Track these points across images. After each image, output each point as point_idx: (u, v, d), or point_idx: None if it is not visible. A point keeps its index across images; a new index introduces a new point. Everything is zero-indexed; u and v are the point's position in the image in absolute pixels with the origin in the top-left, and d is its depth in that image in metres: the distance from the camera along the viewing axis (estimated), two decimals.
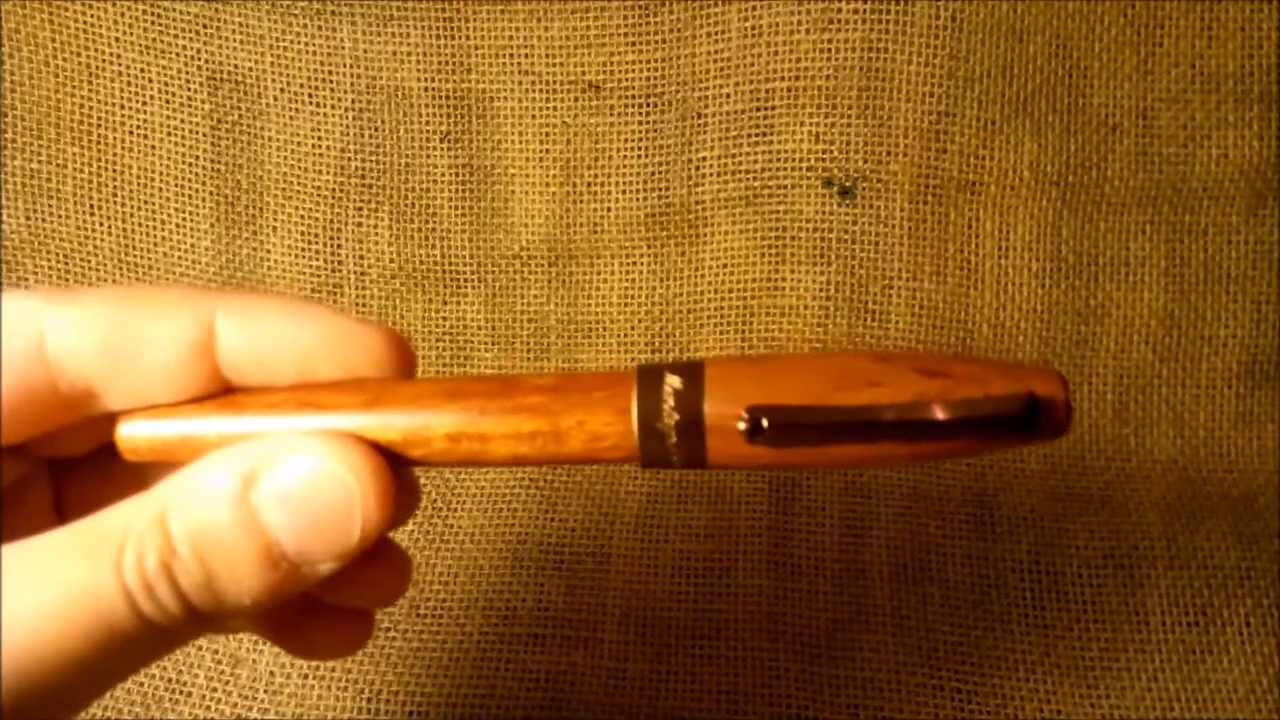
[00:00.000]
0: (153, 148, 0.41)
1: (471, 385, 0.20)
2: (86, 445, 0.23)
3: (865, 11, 0.38)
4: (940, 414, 0.18)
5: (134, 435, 0.21)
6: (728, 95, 0.39)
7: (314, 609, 0.24)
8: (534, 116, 0.40)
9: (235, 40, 0.40)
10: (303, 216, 0.41)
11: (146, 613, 0.18)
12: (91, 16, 0.40)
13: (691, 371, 0.19)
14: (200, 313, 0.20)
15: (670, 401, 0.19)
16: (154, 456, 0.21)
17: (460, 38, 0.40)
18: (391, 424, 0.20)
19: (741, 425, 0.19)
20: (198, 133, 0.41)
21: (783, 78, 0.39)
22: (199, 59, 0.40)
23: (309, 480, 0.19)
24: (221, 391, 0.21)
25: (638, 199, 0.41)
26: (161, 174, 0.41)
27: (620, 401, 0.20)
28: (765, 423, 0.18)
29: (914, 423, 0.18)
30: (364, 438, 0.20)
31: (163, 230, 0.41)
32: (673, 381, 0.19)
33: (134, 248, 0.41)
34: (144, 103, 0.41)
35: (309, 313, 0.21)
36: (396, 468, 0.20)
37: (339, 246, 0.41)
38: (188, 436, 0.21)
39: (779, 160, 0.39)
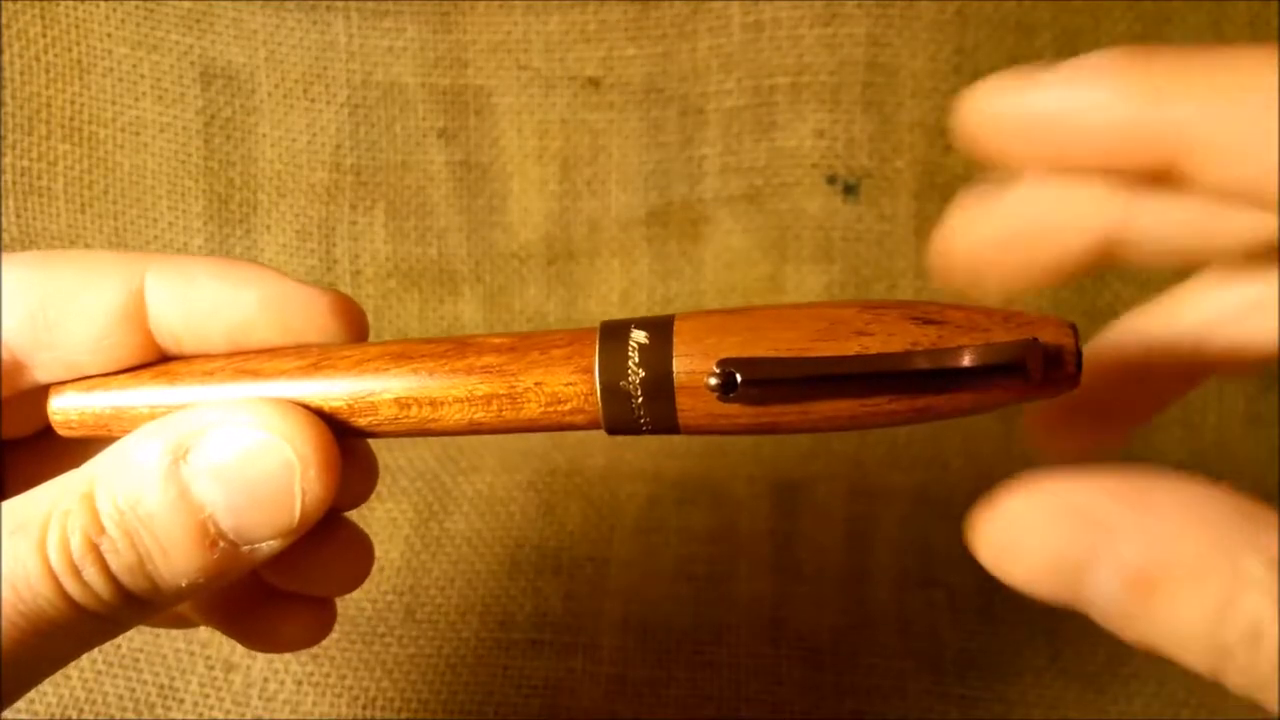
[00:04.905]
0: (144, 144, 0.40)
1: (422, 347, 0.19)
2: (30, 425, 0.22)
3: (869, 6, 0.38)
4: (925, 364, 0.16)
5: (65, 408, 0.20)
6: (729, 91, 0.39)
7: (269, 596, 0.23)
8: (532, 112, 0.40)
9: (228, 35, 0.40)
10: (296, 214, 0.41)
11: (74, 597, 0.17)
12: (83, 12, 0.40)
13: (660, 326, 0.18)
14: (128, 277, 0.19)
15: (635, 358, 0.18)
16: (87, 431, 0.20)
17: (457, 32, 0.39)
18: (335, 391, 0.19)
19: (713, 381, 0.17)
20: (190, 129, 0.40)
21: (785, 73, 0.38)
22: (191, 54, 0.40)
23: (244, 451, 0.18)
24: (156, 360, 0.20)
25: (638, 196, 0.40)
26: (153, 171, 0.41)
27: (582, 360, 0.18)
28: (739, 378, 0.17)
29: (898, 374, 0.17)
30: (306, 406, 0.19)
31: (155, 228, 0.41)
32: (638, 336, 0.18)
33: (125, 245, 0.41)
34: (136, 99, 0.40)
35: (246, 275, 0.20)
36: (343, 438, 0.19)
37: (333, 245, 0.41)
38: (120, 409, 0.20)
39: (781, 157, 0.39)
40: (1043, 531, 0.15)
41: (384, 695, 0.34)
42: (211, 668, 0.35)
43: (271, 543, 0.18)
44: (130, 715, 0.34)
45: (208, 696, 0.35)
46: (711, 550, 0.37)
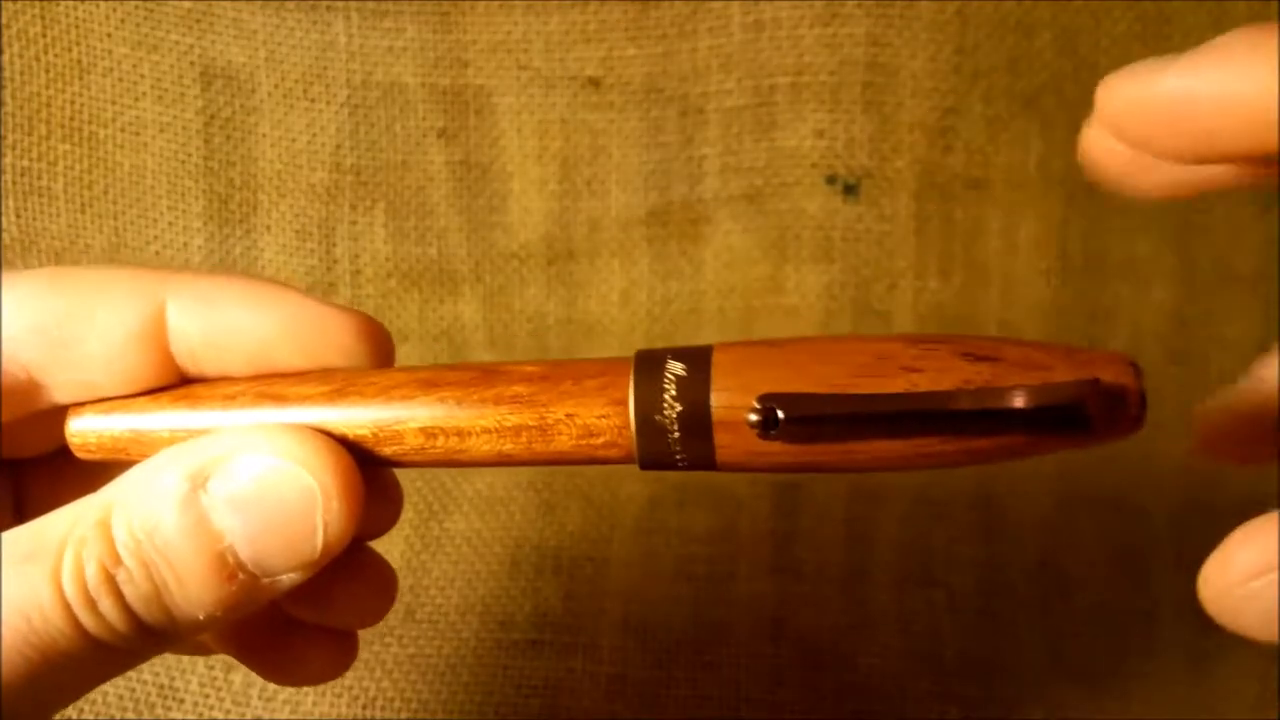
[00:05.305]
0: (144, 145, 0.40)
1: (450, 374, 0.18)
2: (47, 444, 0.21)
3: (869, 6, 0.38)
4: (978, 404, 0.15)
5: (84, 431, 0.20)
6: (729, 91, 0.39)
7: (289, 628, 0.23)
8: (532, 112, 0.40)
9: (228, 35, 0.40)
10: (296, 214, 0.41)
11: (89, 628, 0.16)
12: (83, 12, 0.40)
13: (697, 357, 0.17)
14: (148, 296, 0.19)
15: (671, 390, 0.17)
16: (106, 454, 0.20)
17: (457, 32, 0.39)
18: (359, 418, 0.18)
19: (753, 417, 0.16)
20: (190, 129, 0.40)
21: (785, 73, 0.38)
22: (191, 54, 0.40)
23: (264, 480, 0.17)
24: (177, 383, 0.20)
25: (638, 196, 0.40)
26: (153, 171, 0.40)
27: (616, 391, 0.17)
28: (781, 415, 0.16)
29: (949, 414, 0.16)
30: (329, 433, 0.18)
31: (154, 228, 0.41)
32: (674, 368, 0.17)
33: (125, 246, 0.41)
34: (135, 99, 0.40)
35: (270, 296, 0.19)
36: (367, 468, 0.18)
37: (333, 245, 0.41)
38: (139, 432, 0.19)
39: (782, 157, 0.39)
40: None
41: (384, 695, 0.34)
42: (211, 668, 0.35)
43: (292, 575, 0.17)
44: (130, 715, 0.34)
45: (208, 696, 0.35)
46: (711, 550, 0.37)
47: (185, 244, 0.41)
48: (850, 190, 0.39)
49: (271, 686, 0.34)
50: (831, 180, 0.39)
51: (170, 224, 0.41)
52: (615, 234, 0.40)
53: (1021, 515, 0.38)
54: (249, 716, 0.34)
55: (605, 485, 0.39)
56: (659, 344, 0.40)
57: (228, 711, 0.34)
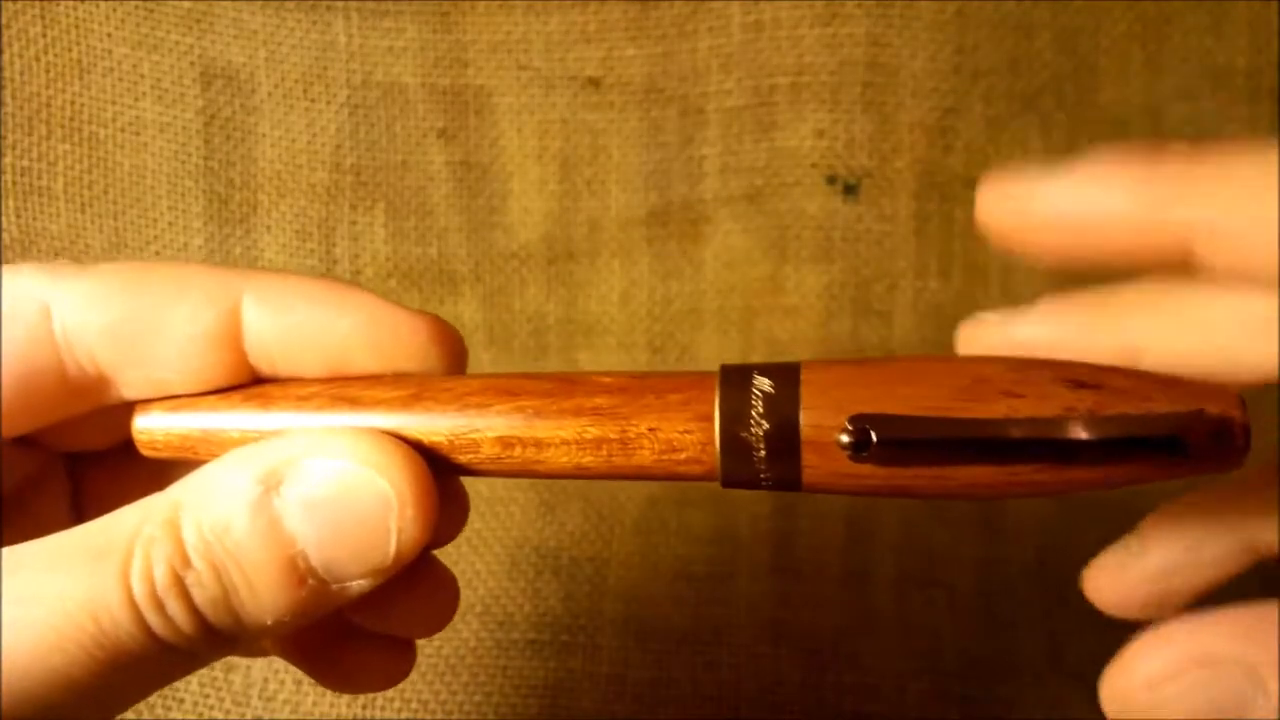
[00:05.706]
0: (144, 144, 0.40)
1: (529, 383, 0.18)
2: (108, 439, 0.21)
3: (869, 6, 0.38)
4: (1082, 432, 0.15)
5: (151, 428, 0.19)
6: (729, 91, 0.39)
7: (349, 635, 0.22)
8: (532, 112, 0.40)
9: (228, 35, 0.40)
10: (296, 214, 0.41)
11: (156, 630, 0.16)
12: (83, 12, 0.40)
13: (785, 373, 0.17)
14: (224, 296, 0.19)
15: (759, 407, 0.17)
16: (173, 453, 0.19)
17: (457, 32, 0.39)
18: (436, 425, 0.18)
19: (844, 438, 0.16)
20: (190, 129, 0.40)
21: (785, 73, 0.38)
22: (191, 54, 0.40)
23: (339, 484, 0.17)
24: (249, 383, 0.19)
25: (638, 196, 0.40)
26: (153, 171, 0.40)
27: (700, 406, 0.17)
28: (874, 436, 0.16)
29: (1050, 441, 0.15)
30: (404, 438, 0.18)
31: (154, 228, 0.41)
32: (761, 384, 0.17)
33: (125, 245, 0.41)
34: (136, 99, 0.40)
35: (346, 298, 0.19)
36: (441, 475, 0.18)
37: (333, 245, 0.41)
38: (208, 432, 0.19)
39: (781, 157, 0.39)
40: (1186, 689, 0.15)
41: (384, 695, 0.34)
42: (211, 668, 0.35)
43: (362, 582, 0.17)
44: (130, 716, 0.34)
45: (208, 696, 0.34)
46: (711, 550, 0.37)
47: (185, 244, 0.41)
48: (850, 190, 0.39)
49: (272, 686, 0.34)
50: (831, 180, 0.39)
51: (170, 224, 0.41)
52: (615, 234, 0.40)
53: (1021, 515, 0.37)
54: (249, 716, 0.34)
55: (605, 485, 0.39)
56: (658, 344, 0.40)
57: (228, 711, 0.34)
